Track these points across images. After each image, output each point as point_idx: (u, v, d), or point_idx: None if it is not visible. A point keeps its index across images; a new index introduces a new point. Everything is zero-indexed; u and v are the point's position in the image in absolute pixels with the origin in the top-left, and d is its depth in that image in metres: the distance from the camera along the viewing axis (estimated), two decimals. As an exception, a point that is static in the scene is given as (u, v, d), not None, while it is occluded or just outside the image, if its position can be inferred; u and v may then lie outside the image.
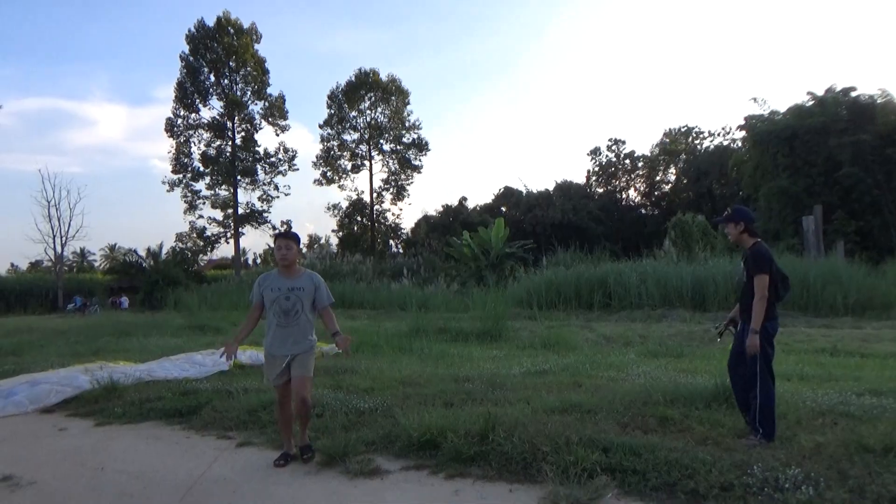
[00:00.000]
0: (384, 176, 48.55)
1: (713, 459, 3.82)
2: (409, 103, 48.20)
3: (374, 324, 14.37)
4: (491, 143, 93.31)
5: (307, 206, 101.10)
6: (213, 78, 43.57)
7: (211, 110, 43.80)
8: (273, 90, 45.22)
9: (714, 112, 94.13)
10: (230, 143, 43.77)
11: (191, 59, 42.99)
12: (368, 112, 47.70)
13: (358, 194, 48.40)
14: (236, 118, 43.74)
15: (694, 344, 10.42)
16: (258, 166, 44.49)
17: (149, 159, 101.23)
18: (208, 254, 46.96)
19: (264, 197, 44.74)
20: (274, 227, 44.78)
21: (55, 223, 39.40)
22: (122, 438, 5.50)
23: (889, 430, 4.20)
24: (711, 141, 46.67)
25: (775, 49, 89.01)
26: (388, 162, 48.51)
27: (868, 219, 27.46)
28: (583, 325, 14.23)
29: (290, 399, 4.56)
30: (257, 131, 44.60)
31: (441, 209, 45.90)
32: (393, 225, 49.29)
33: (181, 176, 43.49)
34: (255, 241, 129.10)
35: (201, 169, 43.63)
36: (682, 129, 48.66)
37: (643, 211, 47.72)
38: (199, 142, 44.00)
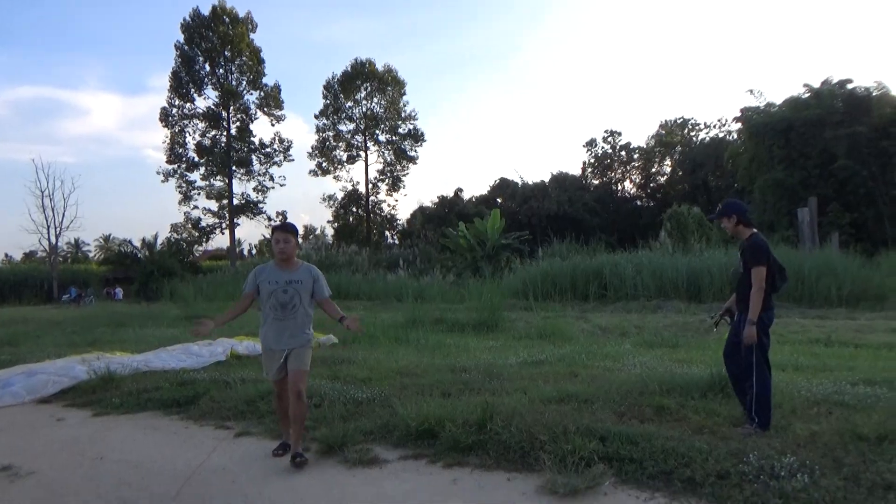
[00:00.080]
0: (380, 167, 48.51)
1: (709, 448, 3.86)
2: (404, 94, 48.08)
3: (371, 315, 14.37)
4: (487, 135, 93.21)
5: (302, 197, 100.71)
6: (208, 67, 43.30)
7: (206, 100, 43.66)
8: (268, 80, 45.15)
9: (710, 104, 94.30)
10: (225, 133, 43.59)
11: (186, 48, 42.71)
12: (364, 102, 47.53)
13: (353, 185, 48.38)
14: (231, 108, 43.53)
15: (689, 334, 10.46)
16: (253, 157, 44.36)
17: (143, 149, 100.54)
18: (203, 244, 46.93)
19: (259, 187, 44.68)
20: (269, 218, 44.74)
21: (49, 213, 39.31)
22: (120, 428, 5.51)
23: (883, 419, 4.25)
24: (707, 133, 46.82)
25: (772, 41, 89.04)
26: (383, 153, 48.40)
27: (862, 211, 27.63)
28: (578, 315, 14.27)
29: (287, 392, 4.53)
30: (252, 121, 44.49)
31: (437, 200, 45.86)
32: (389, 216, 49.25)
33: (176, 166, 43.35)
34: (251, 231, 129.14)
35: (196, 159, 43.47)
36: (678, 121, 48.71)
37: (639, 202, 47.81)
38: (194, 132, 43.83)
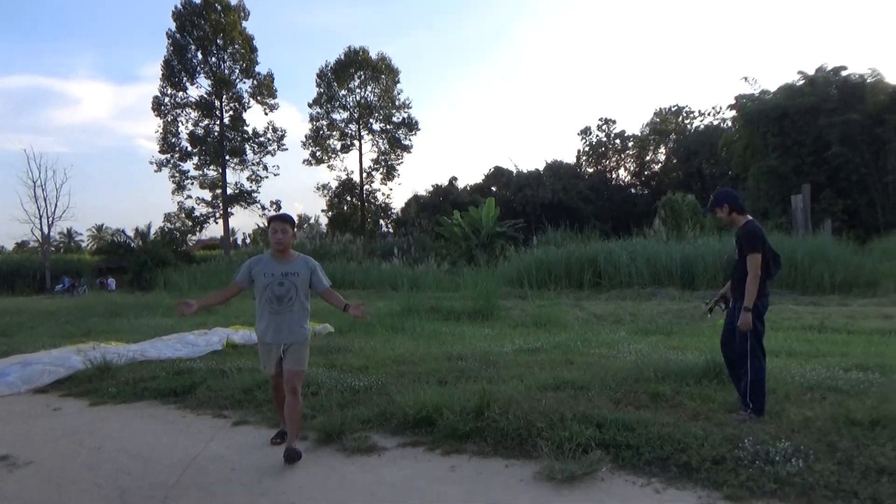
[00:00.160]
0: (374, 156, 48.35)
1: (705, 434, 3.89)
2: (398, 82, 47.85)
3: (366, 303, 14.35)
4: (481, 123, 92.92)
5: (296, 186, 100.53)
6: (200, 56, 42.94)
7: (198, 89, 43.33)
8: (261, 68, 44.73)
9: (705, 92, 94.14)
10: (218, 122, 43.31)
11: (177, 36, 42.27)
12: (358, 91, 47.26)
13: (348, 174, 48.27)
14: (224, 97, 43.21)
15: (683, 322, 10.52)
16: (247, 146, 44.13)
17: (135, 139, 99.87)
18: (197, 234, 46.79)
19: (253, 177, 44.51)
20: (263, 208, 44.64)
21: (41, 203, 39.07)
22: (117, 418, 5.51)
23: (876, 404, 4.30)
24: (702, 121, 46.78)
25: (767, 28, 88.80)
26: (377, 142, 48.23)
27: (855, 198, 27.76)
28: (573, 303, 14.33)
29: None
30: (246, 110, 44.23)
31: (431, 189, 45.76)
32: (383, 205, 49.19)
33: (169, 156, 43.09)
34: (244, 221, 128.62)
35: (189, 149, 43.22)
36: (673, 109, 48.65)
37: (633, 190, 47.82)
38: (187, 121, 43.58)
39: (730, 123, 40.14)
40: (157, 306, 15.78)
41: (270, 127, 44.68)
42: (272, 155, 45.05)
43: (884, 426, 3.91)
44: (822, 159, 27.76)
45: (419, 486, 3.70)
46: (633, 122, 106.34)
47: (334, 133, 47.67)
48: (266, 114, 44.99)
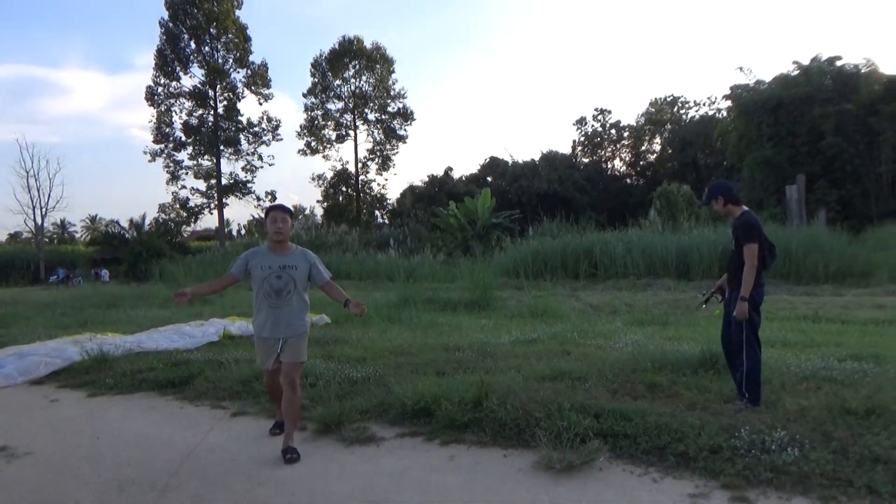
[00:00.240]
0: (369, 146, 48.10)
1: (701, 423, 3.93)
2: (393, 72, 47.54)
3: (363, 294, 14.37)
4: (477, 114, 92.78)
5: (291, 177, 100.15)
6: (193, 45, 42.60)
7: (192, 79, 43.04)
8: (255, 58, 44.38)
9: (700, 82, 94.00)
10: (212, 112, 43.05)
11: (170, 25, 41.93)
12: (353, 81, 46.97)
13: (343, 164, 48.03)
14: (218, 87, 42.95)
15: (679, 312, 10.56)
16: (241, 136, 43.91)
17: (128, 129, 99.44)
18: (192, 225, 46.56)
19: (248, 167, 44.32)
20: (258, 198, 44.45)
21: (34, 194, 38.99)
22: (115, 409, 5.52)
23: (870, 394, 4.34)
24: (697, 111, 46.69)
25: (762, 18, 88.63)
26: (373, 132, 47.99)
27: (849, 188, 27.86)
28: (569, 294, 14.37)
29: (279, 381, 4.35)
30: (240, 100, 43.93)
31: (427, 179, 45.56)
32: (378, 195, 48.95)
33: (163, 146, 42.86)
34: (239, 211, 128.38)
35: (183, 139, 42.96)
36: (668, 99, 48.54)
37: (628, 181, 47.79)
38: (181, 111, 43.25)
39: (725, 114, 40.14)
40: (153, 297, 15.75)
41: (265, 117, 44.55)
42: (267, 145, 44.97)
43: (878, 415, 3.95)
44: (816, 149, 27.82)
45: (418, 475, 3.72)
46: (628, 113, 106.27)
47: (329, 123, 47.42)
48: (260, 104, 44.91)
